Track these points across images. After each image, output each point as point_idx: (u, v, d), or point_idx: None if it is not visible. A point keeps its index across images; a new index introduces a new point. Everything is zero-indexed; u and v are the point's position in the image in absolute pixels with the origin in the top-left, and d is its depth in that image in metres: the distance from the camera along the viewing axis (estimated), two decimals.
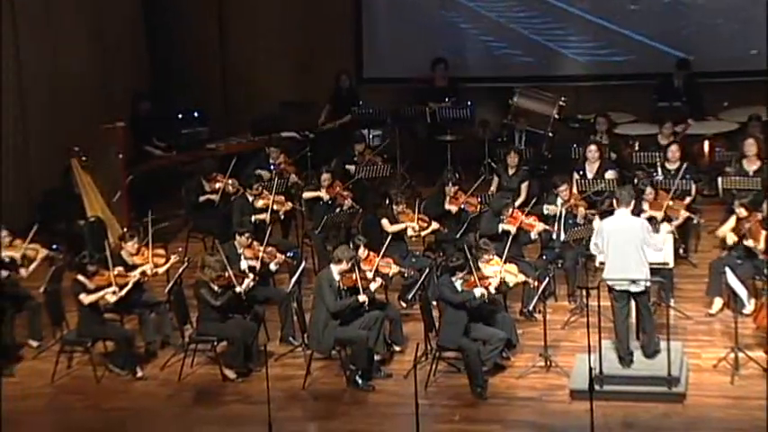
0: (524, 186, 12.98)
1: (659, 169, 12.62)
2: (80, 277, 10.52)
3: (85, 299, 10.44)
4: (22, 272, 11.16)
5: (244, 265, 11.07)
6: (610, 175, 12.57)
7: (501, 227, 11.38)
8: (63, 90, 14.65)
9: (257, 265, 11.12)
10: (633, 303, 10.02)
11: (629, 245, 9.88)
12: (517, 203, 12.23)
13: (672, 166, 12.59)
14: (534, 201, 11.90)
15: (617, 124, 14.42)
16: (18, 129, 14.06)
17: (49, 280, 11.07)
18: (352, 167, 13.55)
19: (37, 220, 12.30)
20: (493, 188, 12.96)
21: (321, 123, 15.27)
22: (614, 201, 10.22)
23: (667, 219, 11.50)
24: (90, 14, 15.34)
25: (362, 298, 10.30)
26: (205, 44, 16.44)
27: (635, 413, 9.62)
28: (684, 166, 12.50)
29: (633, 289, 9.88)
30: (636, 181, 12.04)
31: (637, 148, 13.53)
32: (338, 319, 10.30)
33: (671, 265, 10.77)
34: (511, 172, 13.07)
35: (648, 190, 11.58)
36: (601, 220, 10.63)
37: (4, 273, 10.91)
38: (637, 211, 10.72)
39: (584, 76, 15.83)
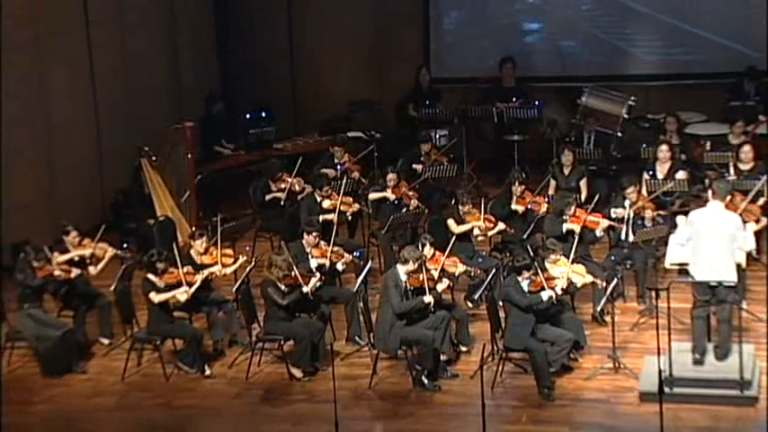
0: (583, 183, 12.87)
1: (731, 169, 12.42)
2: (150, 276, 10.64)
3: (155, 297, 10.55)
4: (91, 270, 11.32)
5: (313, 263, 11.12)
6: (681, 175, 12.40)
7: (565, 227, 11.29)
8: (134, 90, 14.86)
9: (326, 263, 11.16)
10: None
11: (719, 239, 9.69)
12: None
13: (745, 167, 12.37)
14: (597, 199, 11.76)
15: (687, 124, 14.23)
16: (90, 129, 14.28)
17: (120, 278, 11.21)
18: (418, 167, 13.53)
19: (108, 220, 12.49)
20: (551, 190, 12.86)
21: (411, 117, 15.21)
22: (710, 192, 10.05)
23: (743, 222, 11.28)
24: (161, 15, 15.53)
25: (428, 299, 10.27)
26: (274, 44, 16.55)
27: (706, 416, 9.49)
28: (758, 166, 12.28)
29: (717, 281, 9.68)
30: (708, 181, 11.85)
31: (708, 147, 13.33)
32: (404, 320, 10.30)
33: (743, 265, 10.58)
34: (567, 171, 12.96)
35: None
36: (675, 219, 10.47)
37: (76, 271, 11.06)
38: None
39: (653, 76, 15.65)
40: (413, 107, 15.30)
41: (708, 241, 9.72)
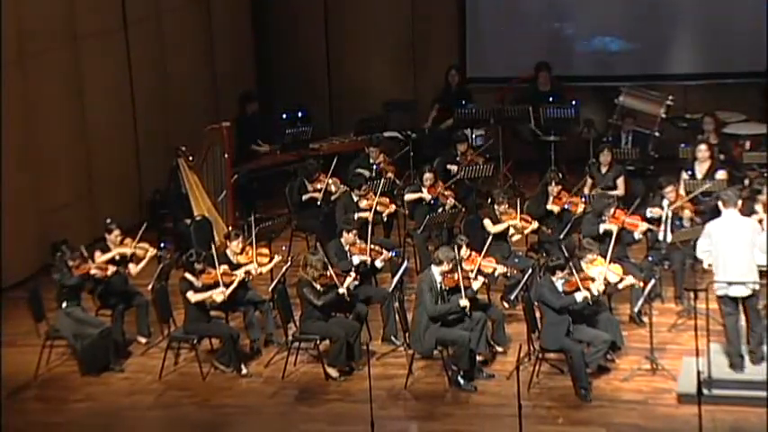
0: (620, 182, 12.80)
1: None
2: (188, 275, 10.69)
3: (192, 297, 10.60)
4: (132, 269, 11.40)
5: (355, 260, 11.13)
6: (720, 175, 12.29)
7: (602, 227, 11.23)
8: (172, 91, 14.95)
9: (367, 260, 11.17)
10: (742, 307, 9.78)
11: (737, 247, 9.63)
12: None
13: None
14: (639, 201, 11.69)
15: (726, 123, 14.10)
16: (128, 129, 14.38)
17: (157, 277, 11.27)
18: (453, 167, 13.50)
19: (146, 219, 12.56)
20: (587, 189, 12.79)
21: (428, 127, 15.26)
22: (720, 202, 9.97)
23: None
24: (198, 16, 15.61)
25: (464, 302, 10.23)
26: (310, 44, 16.59)
27: (745, 418, 9.40)
28: None
29: (740, 294, 9.64)
30: (748, 182, 11.73)
31: (747, 147, 13.20)
32: (438, 322, 10.27)
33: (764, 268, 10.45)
34: (604, 170, 12.88)
35: (765, 190, 11.22)
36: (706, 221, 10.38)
37: (112, 269, 11.13)
38: (748, 213, 10.45)
39: (692, 75, 15.53)
40: (437, 108, 15.26)
41: (726, 252, 9.66)
